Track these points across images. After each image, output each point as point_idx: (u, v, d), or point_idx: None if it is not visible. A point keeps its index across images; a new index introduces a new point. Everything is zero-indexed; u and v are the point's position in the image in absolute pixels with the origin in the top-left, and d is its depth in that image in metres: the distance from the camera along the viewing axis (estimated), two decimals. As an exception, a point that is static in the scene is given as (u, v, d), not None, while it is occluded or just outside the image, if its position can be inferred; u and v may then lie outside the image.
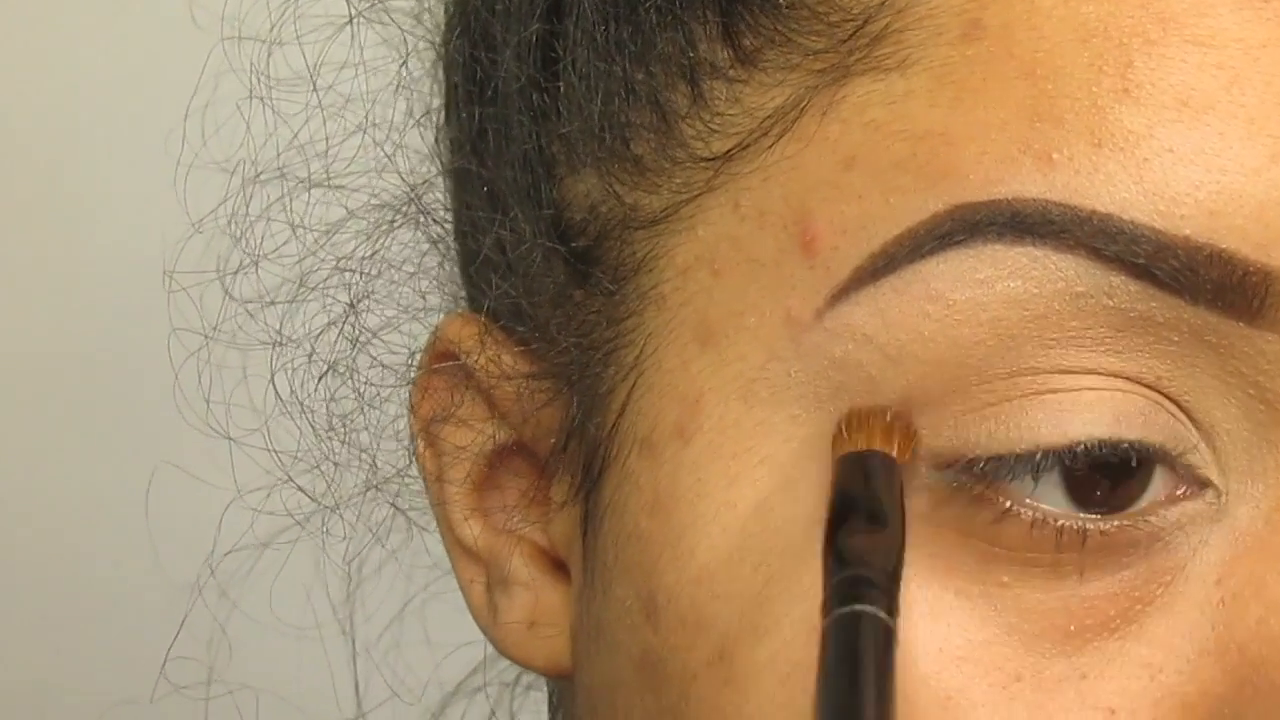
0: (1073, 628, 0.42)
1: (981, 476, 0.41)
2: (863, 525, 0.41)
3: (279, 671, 0.62)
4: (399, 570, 0.58)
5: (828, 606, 0.40)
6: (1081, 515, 0.41)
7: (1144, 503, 0.42)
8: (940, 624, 0.42)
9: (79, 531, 0.84)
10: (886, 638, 0.39)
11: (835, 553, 0.40)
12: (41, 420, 0.85)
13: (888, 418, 0.42)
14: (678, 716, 0.43)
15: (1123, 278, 0.41)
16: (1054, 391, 0.41)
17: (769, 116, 0.44)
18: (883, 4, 0.43)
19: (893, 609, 0.40)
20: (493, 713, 0.61)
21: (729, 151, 0.44)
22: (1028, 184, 0.41)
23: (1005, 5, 0.42)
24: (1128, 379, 0.41)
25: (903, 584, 0.42)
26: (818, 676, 0.39)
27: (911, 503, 0.42)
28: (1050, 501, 0.41)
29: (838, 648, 0.39)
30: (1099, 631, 0.42)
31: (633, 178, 0.46)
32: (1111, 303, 0.41)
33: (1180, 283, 0.41)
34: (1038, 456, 0.41)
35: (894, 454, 0.42)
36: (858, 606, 0.39)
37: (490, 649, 0.51)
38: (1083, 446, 0.41)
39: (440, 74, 0.53)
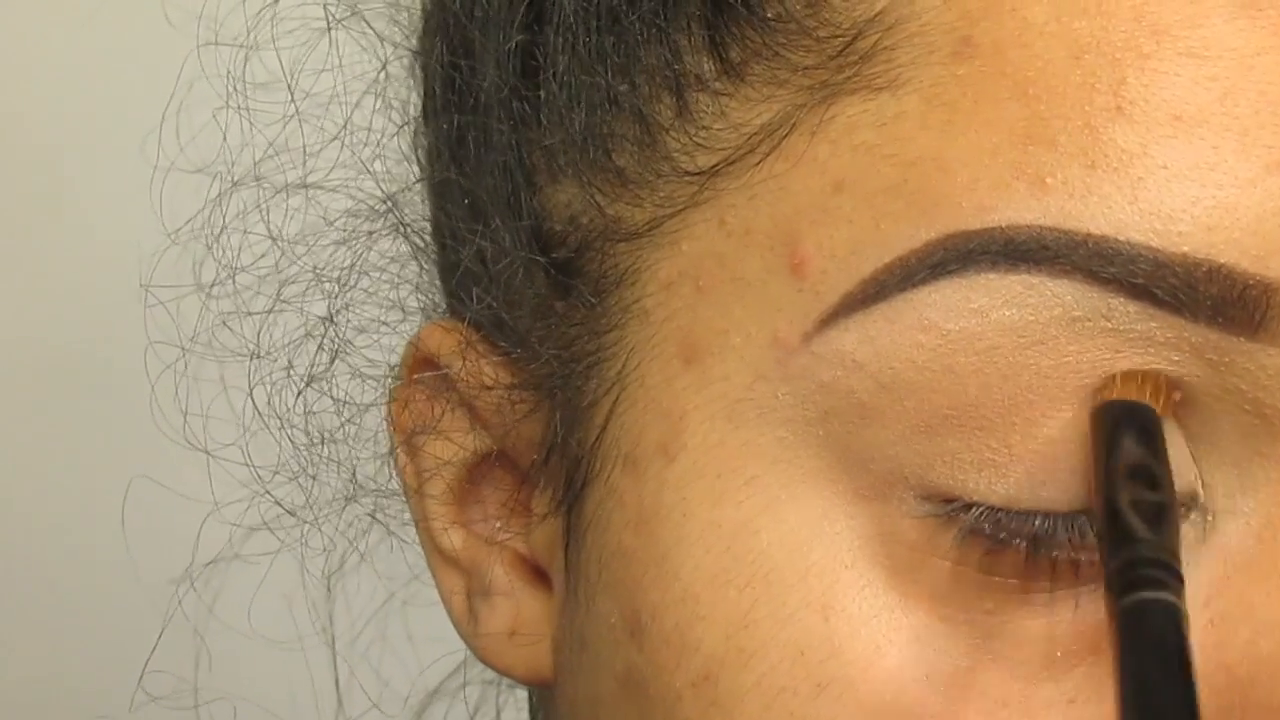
0: (1059, 653, 0.41)
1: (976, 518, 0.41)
2: (1145, 493, 0.39)
3: (258, 681, 0.61)
4: (380, 574, 0.57)
5: (1111, 589, 0.38)
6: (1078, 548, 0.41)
7: None
8: (926, 650, 0.41)
9: (56, 542, 0.84)
10: (1181, 625, 0.38)
11: (1118, 524, 0.39)
12: (19, 430, 0.85)
13: (1144, 375, 0.40)
14: None
15: (1121, 299, 0.40)
16: (1048, 426, 0.41)
17: (756, 133, 0.43)
18: (872, 20, 0.42)
19: (1181, 591, 0.38)
20: (475, 712, 0.60)
21: (715, 167, 0.43)
22: (1022, 210, 0.40)
23: (996, 22, 0.41)
24: None
25: (888, 610, 0.41)
26: (1119, 666, 0.38)
27: (900, 529, 0.41)
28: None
29: (1137, 639, 0.38)
30: (1085, 656, 0.41)
31: (615, 189, 0.45)
32: (1110, 324, 0.40)
33: (1179, 300, 0.40)
34: (1037, 521, 0.41)
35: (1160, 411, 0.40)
36: (1155, 594, 0.38)
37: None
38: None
39: (417, 79, 0.52)
